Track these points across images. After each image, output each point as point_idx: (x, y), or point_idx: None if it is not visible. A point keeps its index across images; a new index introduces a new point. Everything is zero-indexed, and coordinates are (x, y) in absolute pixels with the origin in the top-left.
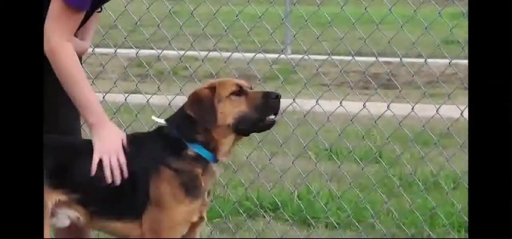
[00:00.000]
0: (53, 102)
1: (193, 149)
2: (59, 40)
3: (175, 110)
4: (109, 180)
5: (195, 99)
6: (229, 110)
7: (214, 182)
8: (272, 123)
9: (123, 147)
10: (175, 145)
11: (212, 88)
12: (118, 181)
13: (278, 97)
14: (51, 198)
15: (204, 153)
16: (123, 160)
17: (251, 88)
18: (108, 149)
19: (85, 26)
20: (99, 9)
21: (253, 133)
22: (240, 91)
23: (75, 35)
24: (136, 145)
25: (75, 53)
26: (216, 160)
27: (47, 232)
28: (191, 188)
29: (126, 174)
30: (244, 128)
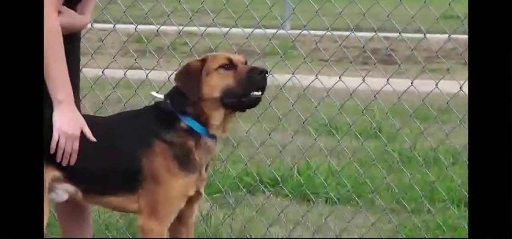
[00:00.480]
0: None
1: (185, 122)
2: (47, 11)
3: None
4: (59, 160)
5: (184, 70)
6: (216, 83)
7: (212, 157)
8: (256, 99)
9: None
10: (168, 118)
11: (203, 61)
12: (64, 164)
13: (263, 72)
14: (47, 173)
15: (195, 125)
16: (76, 147)
17: (245, 63)
18: (69, 133)
19: (84, 0)
20: None
21: (253, 109)
22: (229, 65)
23: (75, 9)
24: (132, 120)
25: (59, 27)
26: (209, 134)
27: (46, 209)
28: (185, 161)
29: (74, 161)
30: (229, 102)
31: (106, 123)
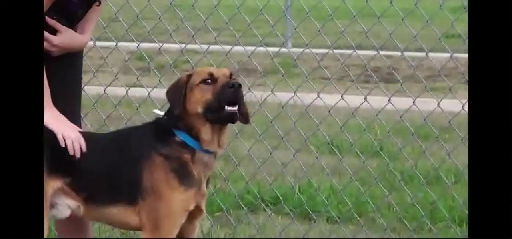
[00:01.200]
0: (53, 97)
1: (178, 136)
2: None
3: None
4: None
5: (172, 85)
6: (197, 98)
7: (211, 173)
8: (230, 114)
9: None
10: (164, 132)
11: (189, 76)
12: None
13: (233, 86)
14: (49, 185)
15: (188, 140)
16: (82, 142)
17: (230, 77)
18: (72, 136)
19: (85, 19)
20: (98, 3)
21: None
22: (210, 80)
23: (75, 29)
24: (133, 133)
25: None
26: (203, 149)
27: (46, 224)
28: (183, 176)
29: (84, 149)
30: (210, 117)
31: (108, 137)
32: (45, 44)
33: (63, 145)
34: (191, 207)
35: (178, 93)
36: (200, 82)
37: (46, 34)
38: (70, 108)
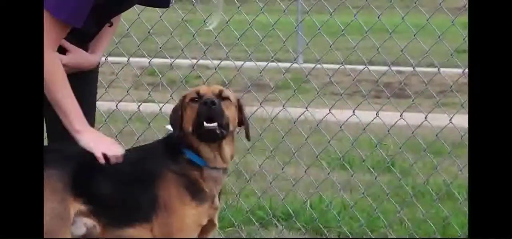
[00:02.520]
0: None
1: (186, 155)
2: (44, 49)
3: None
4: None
5: (174, 106)
6: (188, 117)
7: (221, 188)
8: (208, 131)
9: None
10: (174, 150)
11: (184, 96)
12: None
13: (206, 103)
14: (73, 207)
15: (195, 158)
16: (120, 153)
17: (219, 94)
18: (111, 154)
19: (97, 38)
20: (110, 24)
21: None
22: (197, 98)
23: (86, 48)
24: (147, 151)
25: (59, 61)
26: (210, 166)
27: None
28: (194, 192)
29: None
30: (196, 134)
31: (127, 153)
32: None
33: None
34: (204, 222)
35: (176, 114)
36: (189, 101)
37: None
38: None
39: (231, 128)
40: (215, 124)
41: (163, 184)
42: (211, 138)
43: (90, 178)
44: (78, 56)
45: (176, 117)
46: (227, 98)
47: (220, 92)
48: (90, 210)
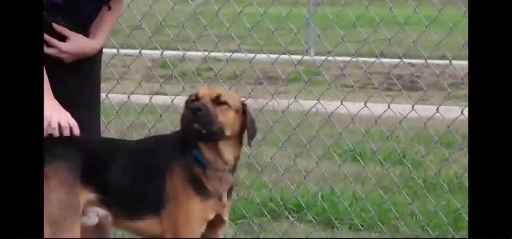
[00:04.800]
0: (72, 105)
1: (194, 152)
2: None
3: None
4: (55, 133)
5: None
6: (183, 119)
7: (231, 185)
8: (194, 132)
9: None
10: (184, 146)
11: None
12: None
13: (192, 109)
14: (83, 196)
15: (200, 157)
16: (73, 122)
17: (217, 97)
18: (54, 118)
19: (97, 24)
20: (108, 8)
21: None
22: (195, 100)
23: (86, 34)
24: (158, 144)
25: None
26: (211, 167)
27: (78, 231)
28: (198, 187)
29: (78, 132)
30: (185, 136)
31: (132, 148)
32: (54, 51)
33: (50, 131)
34: (210, 217)
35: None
36: (189, 103)
37: (54, 41)
38: (90, 114)
39: (228, 132)
40: (198, 127)
41: (171, 176)
42: (194, 139)
43: (100, 167)
44: (79, 42)
45: (183, 117)
46: (224, 103)
47: (218, 96)
48: (101, 199)
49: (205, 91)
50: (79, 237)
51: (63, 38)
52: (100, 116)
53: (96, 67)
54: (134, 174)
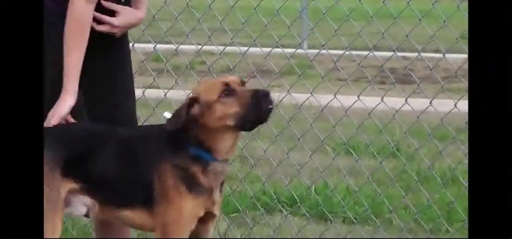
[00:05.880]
0: (106, 83)
1: (191, 150)
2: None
3: None
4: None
5: (181, 106)
6: (223, 113)
7: (223, 178)
8: (269, 111)
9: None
10: (177, 144)
11: (195, 100)
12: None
13: (266, 95)
14: (64, 186)
15: (202, 154)
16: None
17: (242, 83)
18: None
19: None
20: None
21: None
22: (228, 91)
23: (129, 4)
24: (146, 137)
25: (85, 15)
26: (217, 159)
27: (59, 224)
28: (191, 184)
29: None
30: (242, 126)
31: (118, 138)
32: (106, 27)
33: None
34: (201, 214)
35: (180, 114)
36: (219, 97)
37: (105, 17)
38: (126, 104)
39: None
40: (271, 108)
41: (160, 174)
42: (260, 122)
43: (85, 156)
44: (127, 15)
45: (180, 116)
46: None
47: (243, 82)
48: (86, 188)
49: (233, 78)
50: (59, 228)
51: (112, 14)
52: (134, 93)
53: (128, 56)
54: (120, 165)
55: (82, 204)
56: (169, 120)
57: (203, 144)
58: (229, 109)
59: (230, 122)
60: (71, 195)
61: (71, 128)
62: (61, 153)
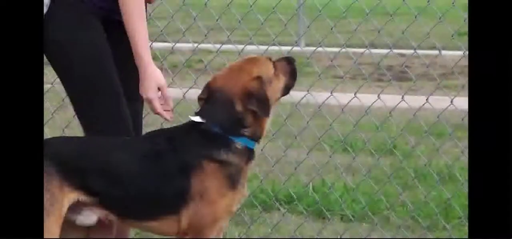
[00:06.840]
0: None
1: (239, 142)
2: None
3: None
4: (162, 111)
5: (249, 94)
6: (278, 88)
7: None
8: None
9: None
10: (218, 139)
11: (258, 78)
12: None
13: (293, 60)
14: (68, 197)
15: (250, 144)
16: (167, 95)
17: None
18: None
19: None
20: None
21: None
22: (274, 65)
23: None
24: (171, 141)
25: None
26: (258, 143)
27: (57, 231)
28: (235, 180)
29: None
30: (283, 96)
31: (139, 146)
32: None
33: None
34: (235, 209)
35: (264, 98)
36: (275, 71)
37: None
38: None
39: None
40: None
41: (200, 175)
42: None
43: (98, 170)
44: None
45: (264, 102)
46: None
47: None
48: (96, 201)
49: (266, 57)
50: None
51: None
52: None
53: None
54: (143, 174)
55: (92, 213)
56: (259, 110)
57: (256, 129)
58: (281, 81)
59: (281, 94)
60: (79, 206)
61: (70, 140)
62: (61, 165)
